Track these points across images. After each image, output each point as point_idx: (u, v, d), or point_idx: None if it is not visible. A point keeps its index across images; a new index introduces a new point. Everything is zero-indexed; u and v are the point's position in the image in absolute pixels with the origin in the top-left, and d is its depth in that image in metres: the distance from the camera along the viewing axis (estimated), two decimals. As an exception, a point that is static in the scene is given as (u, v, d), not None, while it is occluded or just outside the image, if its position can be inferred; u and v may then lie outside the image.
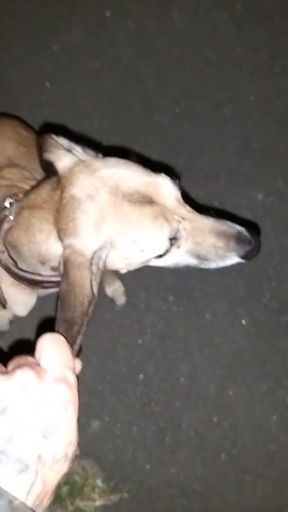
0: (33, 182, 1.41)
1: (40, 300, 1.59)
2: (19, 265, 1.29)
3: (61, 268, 1.10)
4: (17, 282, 1.33)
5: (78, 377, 0.73)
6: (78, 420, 0.69)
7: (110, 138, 2.49)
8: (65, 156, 1.17)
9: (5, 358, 0.72)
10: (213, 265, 1.23)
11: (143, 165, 1.18)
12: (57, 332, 0.95)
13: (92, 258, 1.08)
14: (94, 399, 2.24)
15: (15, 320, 2.25)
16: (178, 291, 2.34)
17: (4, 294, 1.43)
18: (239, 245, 1.20)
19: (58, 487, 1.97)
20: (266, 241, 2.40)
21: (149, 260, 1.18)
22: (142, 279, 2.33)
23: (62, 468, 0.67)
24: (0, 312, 2.18)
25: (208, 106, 2.57)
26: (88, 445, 2.20)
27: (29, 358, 0.73)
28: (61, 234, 1.12)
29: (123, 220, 1.09)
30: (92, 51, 2.62)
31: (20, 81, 2.55)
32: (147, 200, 1.10)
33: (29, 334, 2.28)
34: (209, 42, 2.65)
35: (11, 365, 0.71)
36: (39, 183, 1.31)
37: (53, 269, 1.21)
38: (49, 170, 1.21)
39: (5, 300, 1.46)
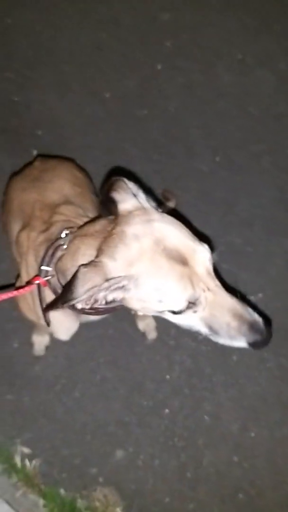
0: (85, 219, 1.57)
1: (82, 326, 1.71)
2: None
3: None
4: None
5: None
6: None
7: (152, 181, 2.65)
8: (130, 199, 1.30)
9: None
10: (221, 340, 1.28)
11: (192, 229, 1.29)
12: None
13: (111, 279, 1.18)
14: (120, 429, 2.33)
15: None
16: (208, 331, 2.43)
17: (50, 317, 1.56)
18: (251, 332, 1.24)
19: None
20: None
21: (163, 312, 1.26)
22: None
23: None
24: (39, 338, 2.34)
25: (247, 156, 2.72)
26: (111, 474, 2.27)
27: None
28: (98, 253, 1.25)
29: (154, 268, 1.19)
30: (141, 100, 2.81)
31: (74, 124, 2.76)
32: (182, 260, 1.19)
33: (64, 361, 2.40)
34: (252, 97, 2.82)
35: None
36: (95, 219, 1.46)
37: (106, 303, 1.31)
38: (109, 208, 1.32)
39: (49, 320, 1.58)
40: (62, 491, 2.25)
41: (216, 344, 2.37)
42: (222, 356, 2.40)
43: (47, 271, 1.46)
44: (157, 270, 1.19)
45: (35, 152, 2.70)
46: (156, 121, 2.78)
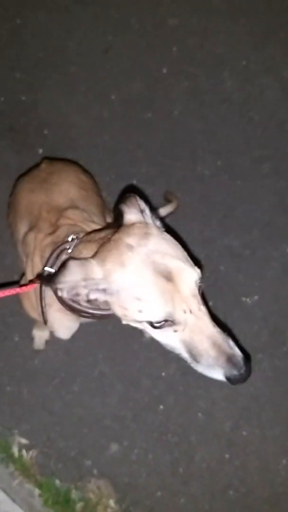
0: (91, 224, 1.64)
1: (83, 326, 1.77)
2: None
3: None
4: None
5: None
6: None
7: (155, 183, 2.71)
8: (135, 213, 1.37)
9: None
10: (200, 369, 1.26)
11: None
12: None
13: (89, 278, 1.25)
14: (115, 423, 2.40)
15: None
16: (204, 331, 2.48)
17: (52, 317, 1.63)
18: (228, 365, 1.21)
19: (73, 502, 2.14)
20: (291, 293, 2.55)
21: (143, 323, 1.27)
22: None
23: None
24: (40, 332, 2.41)
25: (248, 161, 2.77)
26: (105, 466, 2.34)
27: None
28: (93, 255, 1.32)
29: (139, 277, 1.23)
30: (146, 103, 2.87)
31: (80, 124, 2.82)
32: (168, 277, 1.21)
33: (63, 356, 2.47)
34: (255, 104, 2.87)
35: None
36: (103, 228, 1.53)
37: (88, 301, 1.35)
38: (118, 219, 1.40)
39: (47, 319, 1.64)
40: (57, 481, 2.32)
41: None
42: (217, 356, 2.46)
43: (50, 272, 1.52)
44: (141, 280, 1.22)
45: (41, 151, 2.76)
46: (160, 124, 2.83)
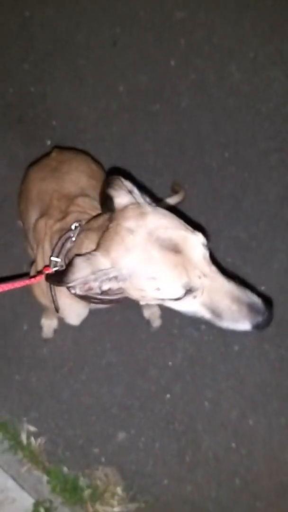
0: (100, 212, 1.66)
1: (90, 313, 1.80)
2: None
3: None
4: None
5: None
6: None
7: (163, 175, 2.73)
8: (125, 195, 1.36)
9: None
10: (225, 324, 1.29)
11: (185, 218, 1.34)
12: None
13: (98, 271, 1.26)
14: (122, 412, 2.42)
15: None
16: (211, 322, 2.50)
17: (62, 304, 1.65)
18: (252, 314, 1.26)
19: (81, 490, 2.16)
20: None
21: (164, 300, 1.30)
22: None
23: None
24: (48, 321, 2.43)
25: (256, 154, 2.78)
26: (113, 454, 2.37)
27: None
28: (97, 247, 1.33)
29: (147, 258, 1.24)
30: (154, 95, 2.88)
31: (88, 116, 2.84)
32: (175, 249, 1.24)
33: (71, 345, 2.49)
34: (262, 96, 2.88)
35: None
36: (100, 214, 1.55)
37: (102, 293, 1.37)
38: (107, 204, 1.40)
39: (58, 306, 1.67)
40: (65, 469, 2.35)
41: (218, 334, 2.47)
42: (224, 346, 2.48)
43: (56, 262, 1.55)
44: (149, 259, 1.24)
45: (49, 143, 2.78)
46: (168, 116, 2.85)
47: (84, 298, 1.49)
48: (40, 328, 2.47)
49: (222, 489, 2.33)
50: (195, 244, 1.27)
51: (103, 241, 1.32)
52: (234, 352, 2.49)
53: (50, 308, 1.81)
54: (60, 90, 2.89)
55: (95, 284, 1.30)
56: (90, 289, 1.31)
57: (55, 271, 1.52)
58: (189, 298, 1.28)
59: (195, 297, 1.28)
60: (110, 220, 1.34)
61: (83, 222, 1.57)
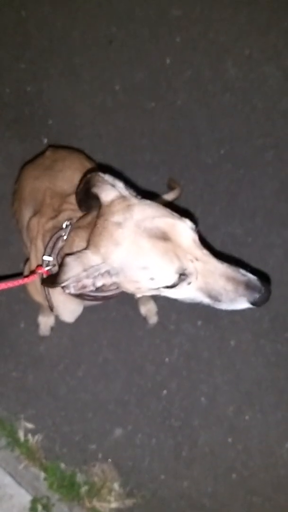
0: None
1: (86, 310, 1.80)
2: None
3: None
4: (65, 292, 1.55)
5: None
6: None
7: (159, 171, 2.73)
8: (109, 190, 1.35)
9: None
10: (224, 306, 1.30)
11: (172, 207, 1.35)
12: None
13: (89, 268, 1.27)
14: (119, 408, 2.43)
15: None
16: (207, 318, 2.51)
17: (55, 301, 1.66)
18: (248, 291, 1.27)
19: (78, 486, 2.18)
20: (294, 280, 2.57)
21: (159, 289, 1.31)
22: (174, 303, 2.51)
23: None
24: (45, 319, 2.44)
25: (251, 150, 2.78)
26: (110, 450, 2.38)
27: None
28: (87, 244, 1.34)
29: (137, 249, 1.25)
30: (150, 92, 2.88)
31: (84, 114, 2.84)
32: (164, 237, 1.25)
33: (68, 342, 2.50)
34: (258, 92, 2.87)
35: None
36: (88, 212, 1.55)
37: (97, 289, 1.37)
38: (88, 204, 1.41)
39: (52, 304, 1.68)
40: (62, 465, 2.36)
41: (214, 329, 2.48)
42: (220, 341, 2.49)
43: (48, 261, 1.56)
44: (139, 250, 1.25)
45: (45, 141, 2.79)
46: (164, 113, 2.85)
47: (78, 295, 1.50)
48: (36, 325, 2.48)
49: (218, 484, 2.34)
50: (183, 229, 1.27)
51: (92, 238, 1.32)
52: (230, 347, 2.50)
53: (44, 305, 1.82)
54: (56, 88, 2.90)
55: (88, 282, 1.31)
56: (84, 287, 1.31)
57: (49, 274, 1.52)
58: (184, 284, 1.29)
59: (189, 283, 1.29)
60: (98, 216, 1.35)
61: (74, 220, 1.58)
